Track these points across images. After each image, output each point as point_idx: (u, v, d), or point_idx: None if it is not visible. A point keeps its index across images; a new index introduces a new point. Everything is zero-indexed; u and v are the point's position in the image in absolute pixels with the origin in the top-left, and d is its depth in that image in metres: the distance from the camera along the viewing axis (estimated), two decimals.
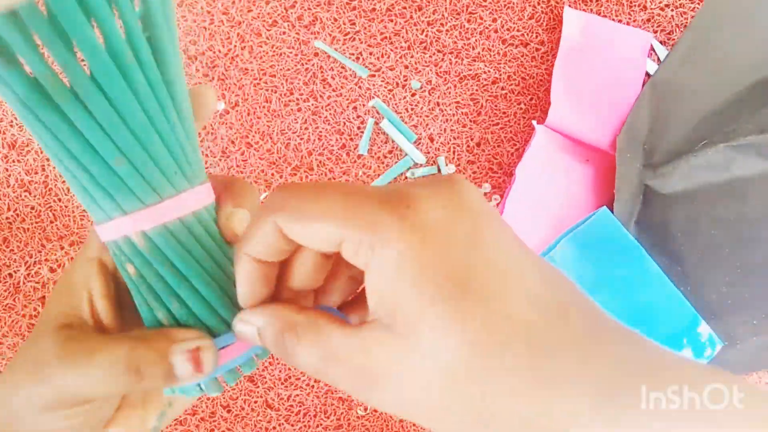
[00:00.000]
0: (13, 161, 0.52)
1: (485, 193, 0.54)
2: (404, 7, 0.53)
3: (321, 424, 0.53)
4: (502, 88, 0.54)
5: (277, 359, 0.53)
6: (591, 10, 0.53)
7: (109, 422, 0.25)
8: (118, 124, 0.20)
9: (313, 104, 0.53)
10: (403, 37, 0.53)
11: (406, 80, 0.53)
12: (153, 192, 0.22)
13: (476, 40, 0.54)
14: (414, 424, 0.53)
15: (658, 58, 0.53)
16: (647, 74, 0.54)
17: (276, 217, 0.19)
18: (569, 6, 0.53)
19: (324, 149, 0.53)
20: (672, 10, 0.54)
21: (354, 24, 0.53)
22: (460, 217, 0.18)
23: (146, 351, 0.22)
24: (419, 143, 0.54)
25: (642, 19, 0.54)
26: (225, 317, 0.23)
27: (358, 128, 0.53)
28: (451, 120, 0.54)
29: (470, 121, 0.54)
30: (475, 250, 0.17)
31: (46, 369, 0.22)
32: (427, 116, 0.54)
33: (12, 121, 0.52)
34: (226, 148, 0.53)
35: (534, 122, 0.51)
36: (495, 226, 0.19)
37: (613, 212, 0.51)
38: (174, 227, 0.22)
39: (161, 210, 0.22)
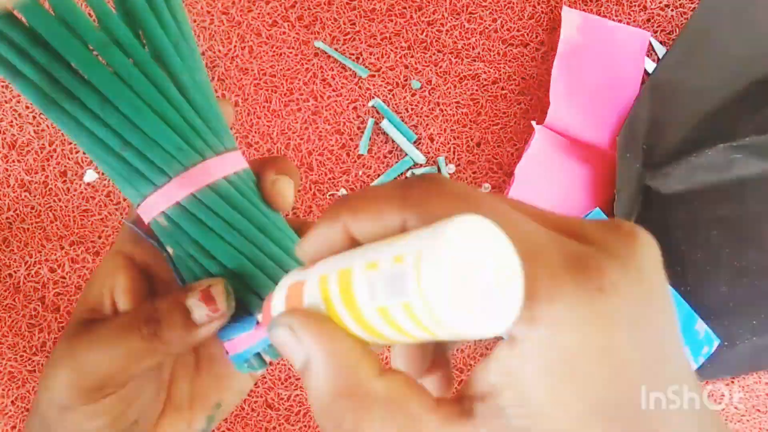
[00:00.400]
0: (13, 161, 0.52)
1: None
2: (404, 7, 0.53)
3: None
4: (502, 88, 0.54)
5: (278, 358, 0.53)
6: (591, 10, 0.53)
7: (154, 427, 0.24)
8: (111, 111, 0.20)
9: (313, 104, 0.53)
10: (403, 37, 0.53)
11: (406, 80, 0.53)
12: (162, 171, 0.21)
13: (476, 40, 0.54)
14: None
15: (658, 58, 0.53)
16: (646, 73, 0.54)
17: (346, 217, 0.15)
18: (569, 6, 0.53)
19: (324, 149, 0.53)
20: (672, 10, 0.54)
21: (354, 24, 0.53)
22: (653, 321, 0.13)
23: (160, 302, 0.21)
24: (419, 143, 0.54)
25: (642, 19, 0.54)
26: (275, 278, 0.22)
27: (358, 128, 0.53)
28: (451, 120, 0.54)
29: (470, 121, 0.54)
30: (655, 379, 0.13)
31: (63, 359, 0.21)
32: (427, 116, 0.54)
33: (12, 121, 0.52)
34: None
35: (533, 123, 0.51)
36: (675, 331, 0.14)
37: (612, 213, 0.51)
38: (203, 196, 0.22)
39: (175, 186, 0.21)
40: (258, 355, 0.23)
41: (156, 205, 0.22)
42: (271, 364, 0.24)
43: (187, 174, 0.22)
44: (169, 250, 0.23)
